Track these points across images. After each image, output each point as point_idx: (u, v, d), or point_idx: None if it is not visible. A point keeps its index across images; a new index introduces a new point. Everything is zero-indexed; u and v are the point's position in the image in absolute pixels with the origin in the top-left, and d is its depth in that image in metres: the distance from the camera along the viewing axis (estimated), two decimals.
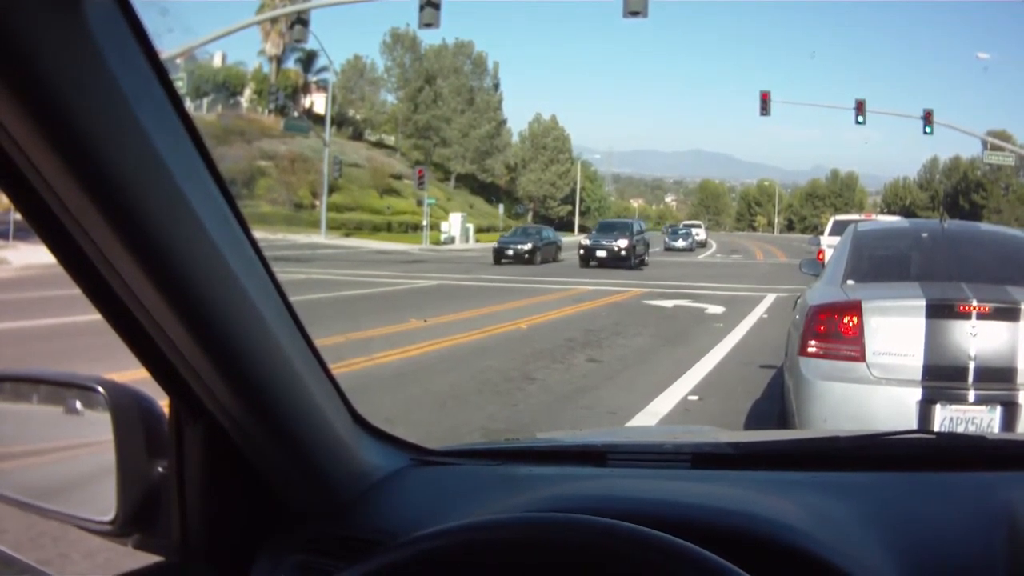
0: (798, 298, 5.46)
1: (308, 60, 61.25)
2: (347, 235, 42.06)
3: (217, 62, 60.06)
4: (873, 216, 27.60)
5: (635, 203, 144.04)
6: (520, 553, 0.83)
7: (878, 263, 5.00)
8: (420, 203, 46.78)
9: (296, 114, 55.10)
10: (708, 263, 34.13)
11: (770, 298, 16.15)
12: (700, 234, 54.22)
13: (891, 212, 66.34)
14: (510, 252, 29.33)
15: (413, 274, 22.08)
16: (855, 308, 4.16)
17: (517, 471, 1.27)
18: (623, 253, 27.85)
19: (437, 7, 22.56)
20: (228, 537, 1.09)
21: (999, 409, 3.87)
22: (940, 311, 4.00)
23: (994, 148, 40.77)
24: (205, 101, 54.61)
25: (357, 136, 64.43)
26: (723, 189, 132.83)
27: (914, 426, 3.77)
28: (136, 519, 1.07)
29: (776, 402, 5.75)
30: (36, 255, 16.00)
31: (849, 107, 33.34)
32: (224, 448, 1.03)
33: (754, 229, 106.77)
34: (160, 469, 1.07)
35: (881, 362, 4.03)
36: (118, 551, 1.21)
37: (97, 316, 0.91)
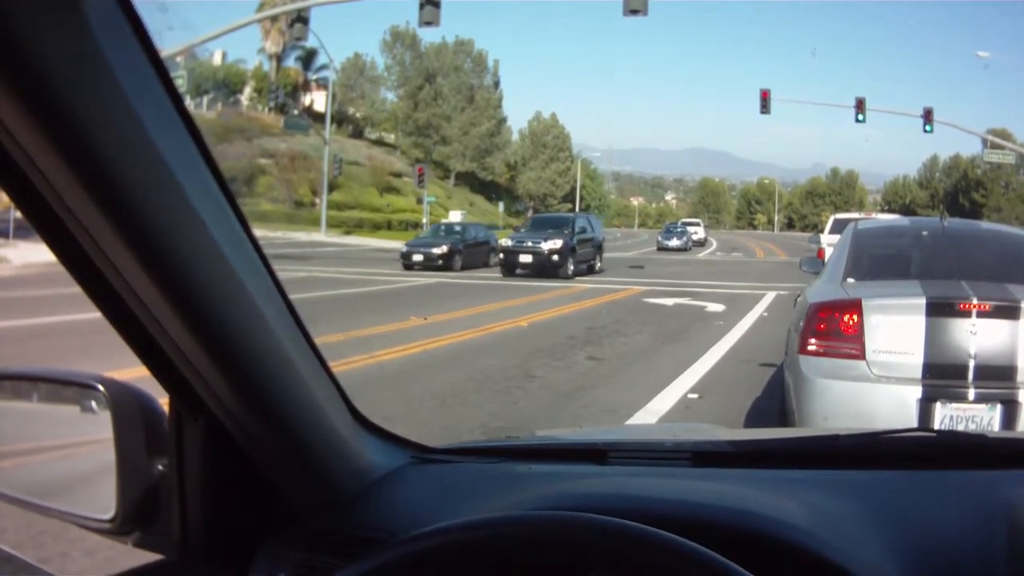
0: (798, 296, 5.46)
1: (308, 58, 61.37)
2: (347, 233, 42.02)
3: (217, 60, 60.05)
4: (873, 214, 27.64)
5: (635, 201, 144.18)
6: (523, 552, 0.83)
7: (878, 261, 5.00)
8: (420, 201, 46.84)
9: (296, 112, 55.08)
10: (708, 261, 34.11)
11: (770, 296, 16.15)
12: (699, 232, 51.78)
13: (891, 210, 66.39)
14: (418, 257, 22.98)
15: (413, 272, 22.11)
16: (855, 306, 4.16)
17: (517, 469, 1.27)
18: (554, 258, 20.63)
19: (437, 5, 22.56)
20: (228, 535, 1.09)
21: (999, 407, 3.87)
22: (940, 309, 4.00)
23: (994, 146, 40.79)
24: (205, 99, 54.61)
25: (357, 134, 64.46)
26: (723, 187, 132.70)
27: (914, 424, 3.77)
28: (136, 517, 1.07)
29: (776, 400, 5.75)
30: (36, 253, 16.02)
31: (849, 105, 33.39)
32: (224, 446, 1.03)
33: (754, 227, 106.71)
34: (160, 467, 1.07)
35: (881, 360, 4.03)
36: (118, 549, 1.21)
37: (97, 314, 0.91)
